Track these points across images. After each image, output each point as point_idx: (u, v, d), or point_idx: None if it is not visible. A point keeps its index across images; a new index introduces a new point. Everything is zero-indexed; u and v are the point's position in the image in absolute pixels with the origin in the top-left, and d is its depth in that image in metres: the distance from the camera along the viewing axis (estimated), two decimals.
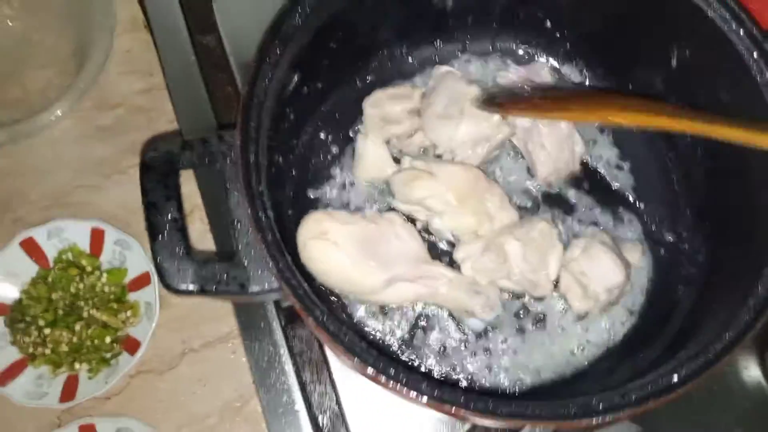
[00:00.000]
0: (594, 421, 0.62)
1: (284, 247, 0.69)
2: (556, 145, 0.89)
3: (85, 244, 0.98)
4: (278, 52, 0.75)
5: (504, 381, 0.84)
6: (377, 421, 0.90)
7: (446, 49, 0.98)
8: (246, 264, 0.71)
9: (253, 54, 0.75)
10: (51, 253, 0.97)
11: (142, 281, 0.96)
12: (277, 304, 0.94)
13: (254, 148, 0.71)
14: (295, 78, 0.82)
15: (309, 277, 0.81)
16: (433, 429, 0.89)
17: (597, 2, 0.86)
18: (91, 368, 0.93)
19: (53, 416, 0.92)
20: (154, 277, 0.94)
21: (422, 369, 0.84)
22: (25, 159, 1.04)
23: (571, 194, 0.92)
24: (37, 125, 1.01)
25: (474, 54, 0.98)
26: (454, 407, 0.62)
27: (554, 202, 0.92)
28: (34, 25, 1.11)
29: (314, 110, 0.92)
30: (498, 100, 0.87)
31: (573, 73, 0.97)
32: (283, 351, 0.93)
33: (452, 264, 0.87)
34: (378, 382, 0.64)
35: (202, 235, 1.00)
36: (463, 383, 0.84)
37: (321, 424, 0.91)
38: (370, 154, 0.91)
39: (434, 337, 0.86)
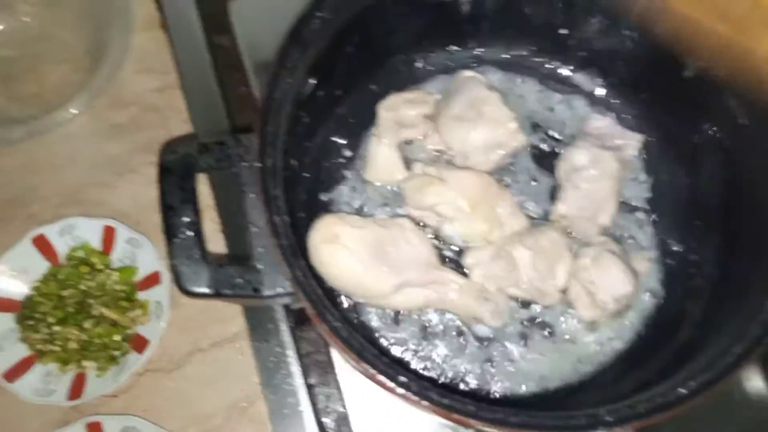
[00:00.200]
0: None
1: (298, 249, 0.70)
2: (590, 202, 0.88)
3: (96, 242, 0.98)
4: (297, 58, 0.75)
5: (510, 388, 0.84)
6: (382, 424, 0.90)
7: (461, 56, 0.98)
8: (260, 268, 0.71)
9: (268, 54, 0.76)
10: (62, 251, 0.98)
11: (152, 280, 0.96)
12: (285, 305, 0.94)
13: (272, 153, 0.72)
14: (312, 82, 0.82)
15: (319, 280, 0.81)
16: None
17: (613, 13, 0.87)
18: (100, 366, 0.93)
19: (60, 413, 0.93)
20: (165, 277, 0.95)
21: (430, 374, 0.85)
22: (39, 155, 1.04)
23: None
24: (53, 122, 1.02)
25: (490, 61, 0.98)
26: (462, 416, 0.62)
27: None
28: (51, 21, 1.11)
29: (329, 113, 0.93)
30: None
31: (587, 82, 0.98)
32: (290, 352, 0.94)
33: (461, 270, 0.87)
34: (388, 389, 0.65)
35: (212, 236, 1.00)
36: (470, 389, 0.84)
37: (326, 427, 0.91)
38: (382, 157, 0.91)
39: (442, 342, 0.86)
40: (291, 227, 0.71)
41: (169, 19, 1.10)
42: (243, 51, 1.07)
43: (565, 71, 0.98)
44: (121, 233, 0.98)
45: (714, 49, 0.74)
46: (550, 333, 0.87)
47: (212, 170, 0.74)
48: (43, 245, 0.97)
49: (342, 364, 0.92)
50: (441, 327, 0.87)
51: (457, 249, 0.90)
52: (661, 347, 0.82)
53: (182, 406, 0.94)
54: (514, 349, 0.86)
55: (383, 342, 0.86)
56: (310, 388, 0.93)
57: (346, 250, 0.81)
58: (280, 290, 0.70)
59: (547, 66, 0.98)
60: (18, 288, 0.96)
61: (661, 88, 0.87)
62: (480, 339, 0.86)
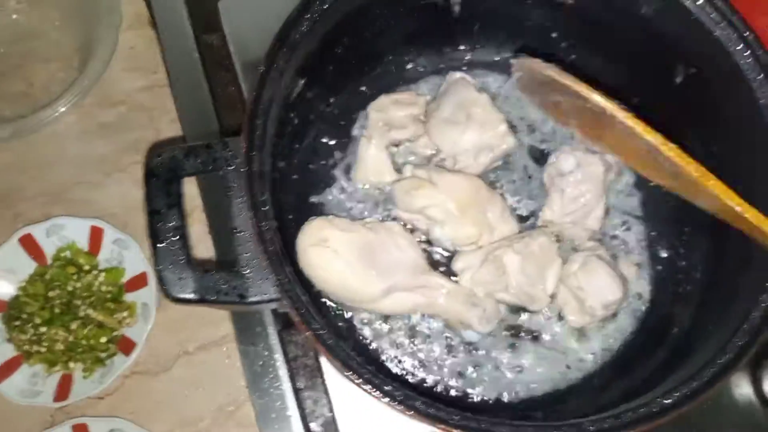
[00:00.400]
0: None
1: (285, 255, 0.69)
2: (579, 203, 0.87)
3: (83, 243, 0.98)
4: (285, 60, 0.74)
5: (498, 394, 0.84)
6: (370, 430, 0.90)
7: (453, 57, 0.97)
8: (246, 273, 0.70)
9: (257, 54, 0.75)
10: (49, 251, 0.97)
11: (139, 282, 0.96)
12: (273, 309, 0.93)
13: (259, 157, 0.71)
14: (301, 83, 0.82)
15: (308, 284, 0.81)
16: None
17: (603, 18, 0.86)
18: (86, 368, 0.93)
19: (47, 415, 0.92)
20: (152, 278, 0.94)
21: (417, 380, 0.84)
22: (27, 154, 1.04)
23: None
24: (41, 121, 1.01)
25: (481, 63, 0.98)
26: (447, 427, 0.62)
27: None
28: (40, 19, 1.10)
29: (318, 115, 0.92)
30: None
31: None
32: (278, 356, 0.93)
33: (451, 274, 0.87)
34: (373, 397, 0.64)
35: (201, 237, 1.00)
36: (457, 396, 0.84)
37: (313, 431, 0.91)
38: (371, 159, 0.91)
39: (430, 348, 0.86)
40: (279, 230, 0.70)
41: (158, 17, 1.09)
42: (232, 50, 1.06)
43: None
44: (108, 234, 0.97)
45: None
46: (538, 339, 0.86)
47: (199, 174, 0.73)
48: (29, 245, 0.96)
49: (330, 369, 0.92)
50: (429, 332, 0.86)
51: (447, 252, 0.89)
52: (649, 354, 0.81)
53: (169, 409, 0.94)
54: (502, 355, 0.85)
55: (371, 346, 0.86)
56: (297, 392, 0.92)
57: (334, 254, 0.80)
58: (265, 296, 0.69)
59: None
60: (4, 288, 0.96)
61: (652, 93, 0.86)
62: (468, 344, 0.86)
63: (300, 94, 0.82)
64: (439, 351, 0.86)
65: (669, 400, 0.64)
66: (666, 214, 0.90)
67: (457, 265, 0.86)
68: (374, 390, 0.64)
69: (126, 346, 0.93)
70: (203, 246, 1.00)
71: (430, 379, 0.85)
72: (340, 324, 0.86)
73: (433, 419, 0.63)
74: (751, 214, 0.67)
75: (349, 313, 0.87)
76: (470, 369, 0.85)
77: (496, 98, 0.95)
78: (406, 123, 0.92)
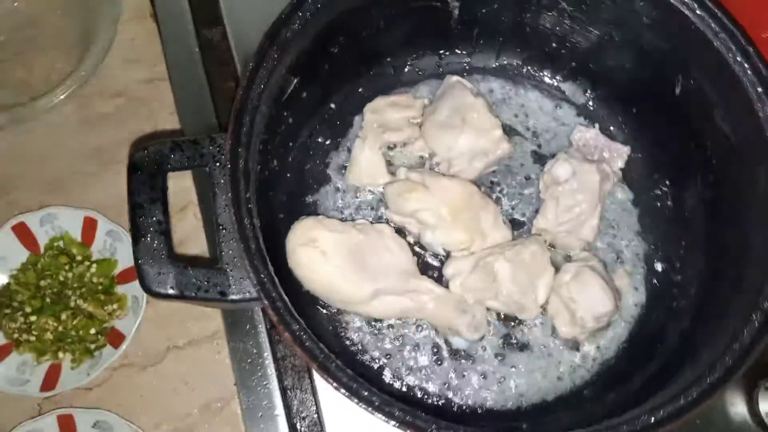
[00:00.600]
0: None
1: (268, 254, 0.69)
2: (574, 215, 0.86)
3: (77, 233, 0.98)
4: (276, 57, 0.73)
5: (483, 403, 0.83)
6: (357, 431, 0.89)
7: (451, 61, 0.96)
8: (228, 271, 0.69)
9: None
10: (42, 240, 0.97)
11: (131, 274, 0.95)
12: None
13: (245, 154, 0.70)
14: (294, 82, 0.81)
15: (297, 283, 0.80)
16: None
17: (604, 27, 0.85)
18: (75, 358, 0.93)
19: (34, 403, 0.92)
20: None
21: (401, 386, 0.83)
22: (24, 143, 1.03)
23: None
24: (38, 109, 1.01)
25: (480, 68, 0.96)
26: None
27: None
28: (41, 8, 1.10)
29: (313, 114, 0.91)
30: None
31: (576, 93, 0.96)
32: (267, 354, 0.93)
33: (442, 279, 0.86)
34: (352, 401, 0.64)
35: (195, 231, 1.00)
36: (441, 403, 0.83)
37: (299, 431, 0.90)
38: (365, 160, 0.90)
39: (417, 353, 0.85)
40: (267, 228, 0.70)
41: (160, 10, 1.09)
42: (232, 45, 1.05)
43: (554, 80, 0.96)
44: (102, 225, 0.97)
45: None
46: (527, 348, 0.85)
47: (185, 169, 0.73)
48: (23, 233, 0.96)
49: None
50: (417, 337, 0.85)
51: (439, 257, 0.88)
52: (640, 368, 0.80)
53: (156, 403, 0.93)
54: (490, 363, 0.84)
55: (357, 350, 0.85)
56: (285, 391, 0.91)
57: (322, 255, 0.80)
58: (246, 295, 0.68)
59: (537, 74, 0.96)
60: None
61: (652, 103, 0.85)
62: (455, 351, 0.85)
63: (293, 93, 0.81)
64: (425, 357, 0.85)
65: (653, 419, 0.63)
66: (664, 229, 0.89)
67: (447, 270, 0.85)
68: (351, 394, 0.63)
69: (115, 338, 0.93)
70: (197, 241, 0.99)
71: (414, 386, 0.84)
72: (327, 326, 0.85)
73: (411, 427, 0.62)
74: None
75: (338, 315, 0.86)
76: (456, 376, 0.84)
77: (494, 103, 0.94)
78: (402, 125, 0.91)
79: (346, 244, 0.81)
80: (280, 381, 0.92)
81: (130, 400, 0.93)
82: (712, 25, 0.73)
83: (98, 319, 0.94)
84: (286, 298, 0.67)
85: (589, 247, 0.87)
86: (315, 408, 0.90)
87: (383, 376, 0.84)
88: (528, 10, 0.87)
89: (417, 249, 0.88)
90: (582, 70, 0.91)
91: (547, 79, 0.96)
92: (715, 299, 0.76)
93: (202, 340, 0.95)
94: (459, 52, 0.96)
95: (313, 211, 0.90)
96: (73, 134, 1.04)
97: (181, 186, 1.00)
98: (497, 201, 0.91)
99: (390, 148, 0.92)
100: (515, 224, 0.90)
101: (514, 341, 0.85)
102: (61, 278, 0.95)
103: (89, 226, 0.97)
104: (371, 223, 0.88)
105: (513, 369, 0.84)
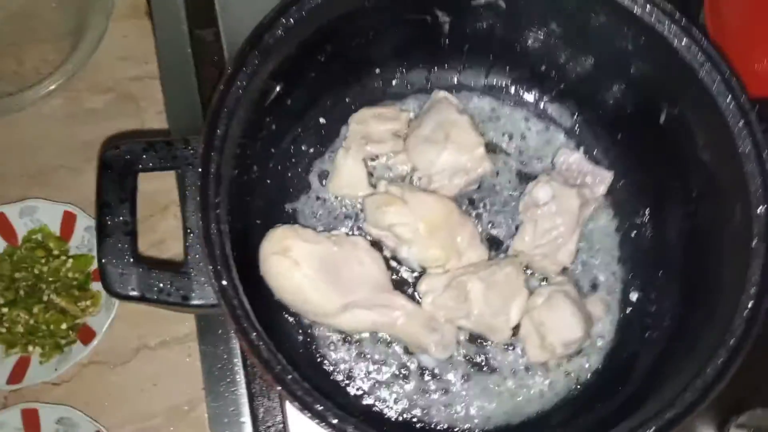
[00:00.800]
0: None
1: (242, 261, 0.68)
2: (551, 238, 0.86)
3: (55, 227, 0.97)
4: (256, 63, 0.73)
5: (448, 424, 0.82)
6: None
7: (440, 76, 0.95)
8: (192, 275, 0.69)
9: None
10: (21, 232, 0.97)
11: None
12: None
13: (217, 158, 0.69)
14: (278, 88, 0.80)
15: (269, 292, 0.79)
16: None
17: (591, 50, 0.84)
18: (44, 353, 0.92)
19: (0, 396, 0.92)
20: None
21: (365, 402, 0.82)
22: (10, 133, 1.03)
23: None
24: (25, 100, 1.01)
25: (468, 84, 0.96)
26: None
27: None
28: None
29: (297, 121, 0.90)
30: None
31: (564, 115, 0.94)
32: (237, 360, 0.92)
33: (415, 295, 0.85)
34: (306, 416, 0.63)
35: (176, 232, 0.99)
36: (402, 421, 0.82)
37: None
38: (347, 170, 0.89)
39: (384, 369, 0.84)
40: (244, 235, 0.69)
41: (155, 8, 1.08)
42: (225, 46, 1.05)
43: (542, 102, 0.95)
44: (81, 220, 0.97)
45: None
46: (496, 371, 0.84)
47: (157, 170, 0.72)
48: (1, 224, 0.96)
49: None
50: (386, 352, 0.84)
51: (415, 273, 0.87)
52: (608, 396, 0.79)
53: (122, 403, 0.92)
54: (457, 384, 0.83)
55: (324, 363, 0.84)
56: (252, 398, 0.91)
57: (294, 264, 0.79)
58: (208, 301, 0.68)
59: (525, 95, 0.95)
60: None
61: (637, 130, 0.84)
62: (423, 369, 0.84)
63: (277, 99, 0.81)
64: (392, 374, 0.84)
65: None
66: (642, 257, 0.88)
67: (421, 287, 0.84)
68: (304, 409, 0.62)
69: (86, 335, 0.93)
70: (177, 241, 0.99)
71: (379, 402, 0.83)
72: (297, 337, 0.85)
73: None
74: None
75: (309, 328, 0.85)
76: (422, 395, 0.83)
77: (481, 121, 0.93)
78: (386, 138, 0.90)
79: (319, 254, 0.80)
80: (249, 388, 0.91)
81: (97, 397, 0.92)
82: (698, 55, 0.72)
83: (70, 314, 0.94)
84: (248, 306, 0.66)
85: (564, 272, 0.86)
86: (281, 417, 0.89)
87: (348, 390, 0.83)
88: (517, 29, 0.86)
89: (393, 263, 0.88)
90: (570, 93, 0.91)
91: (534, 100, 0.95)
92: (686, 332, 0.75)
93: (174, 342, 0.95)
94: (449, 68, 0.95)
95: (291, 218, 0.89)
96: (60, 127, 1.04)
97: (164, 185, 0.99)
98: (478, 218, 0.90)
99: (373, 160, 0.91)
100: (494, 243, 0.89)
101: (483, 362, 0.84)
102: (37, 271, 0.95)
103: (68, 220, 0.97)
104: (348, 234, 0.88)
105: (480, 390, 0.83)
